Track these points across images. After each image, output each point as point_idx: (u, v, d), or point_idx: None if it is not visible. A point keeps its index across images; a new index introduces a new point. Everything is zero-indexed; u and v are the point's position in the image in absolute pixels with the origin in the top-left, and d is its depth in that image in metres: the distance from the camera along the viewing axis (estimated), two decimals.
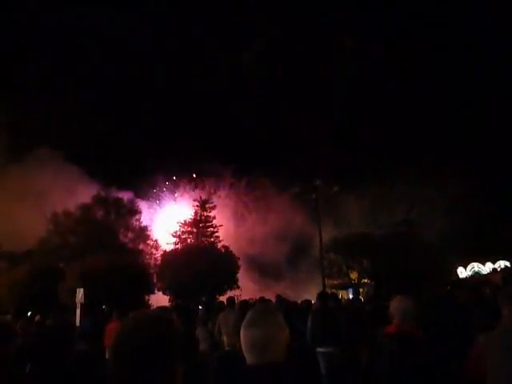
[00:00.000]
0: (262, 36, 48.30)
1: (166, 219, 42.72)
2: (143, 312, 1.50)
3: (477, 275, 36.67)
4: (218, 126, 64.01)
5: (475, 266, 38.82)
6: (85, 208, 31.50)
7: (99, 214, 32.40)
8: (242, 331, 1.73)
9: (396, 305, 2.97)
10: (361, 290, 25.07)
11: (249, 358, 1.68)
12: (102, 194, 33.64)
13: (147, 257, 32.07)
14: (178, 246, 34.76)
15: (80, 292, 12.78)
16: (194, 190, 46.95)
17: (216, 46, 61.69)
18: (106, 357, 8.34)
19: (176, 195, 48.46)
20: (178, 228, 38.27)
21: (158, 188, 47.98)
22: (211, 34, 60.71)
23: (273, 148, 53.30)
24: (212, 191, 46.56)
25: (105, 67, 59.15)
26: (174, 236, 37.64)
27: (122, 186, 38.60)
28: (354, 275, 26.08)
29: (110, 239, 29.98)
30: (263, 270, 42.31)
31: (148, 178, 45.92)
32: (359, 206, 42.08)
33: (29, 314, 15.92)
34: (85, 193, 34.38)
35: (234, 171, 49.02)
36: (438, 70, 52.92)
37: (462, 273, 37.33)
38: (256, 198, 49.19)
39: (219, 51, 53.98)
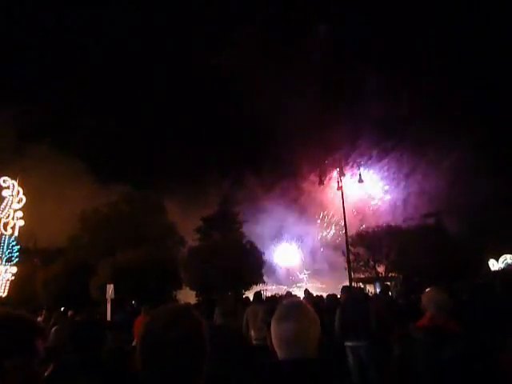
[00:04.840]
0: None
1: (190, 215, 43.25)
2: (169, 307, 1.50)
3: (509, 267, 35.51)
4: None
5: (508, 258, 37.60)
6: (112, 205, 32.24)
7: (126, 211, 33.08)
8: (272, 325, 1.70)
9: (429, 297, 2.88)
10: (387, 283, 24.70)
11: (280, 353, 1.65)
12: (128, 192, 34.50)
13: (174, 252, 32.50)
14: (203, 241, 35.10)
15: (110, 288, 13.08)
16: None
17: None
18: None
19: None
20: (201, 224, 38.67)
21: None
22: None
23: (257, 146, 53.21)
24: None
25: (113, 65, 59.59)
26: (198, 232, 38.03)
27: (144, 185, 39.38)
28: (380, 269, 25.68)
29: (137, 235, 30.57)
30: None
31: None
32: None
33: (62, 309, 16.48)
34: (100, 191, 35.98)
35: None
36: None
37: (494, 265, 36.18)
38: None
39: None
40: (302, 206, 45.93)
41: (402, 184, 44.37)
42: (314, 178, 47.64)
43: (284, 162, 48.75)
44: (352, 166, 42.08)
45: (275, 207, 43.78)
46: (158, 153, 55.86)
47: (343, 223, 20.73)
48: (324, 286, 35.46)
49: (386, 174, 45.42)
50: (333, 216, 43.69)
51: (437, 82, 42.52)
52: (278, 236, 44.34)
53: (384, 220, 30.19)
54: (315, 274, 41.44)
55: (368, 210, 42.34)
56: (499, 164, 37.13)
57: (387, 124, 44.28)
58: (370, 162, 45.00)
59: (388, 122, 43.92)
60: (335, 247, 37.06)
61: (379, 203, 45.10)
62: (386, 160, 44.95)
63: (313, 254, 43.69)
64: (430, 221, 29.02)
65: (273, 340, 1.68)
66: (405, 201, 42.32)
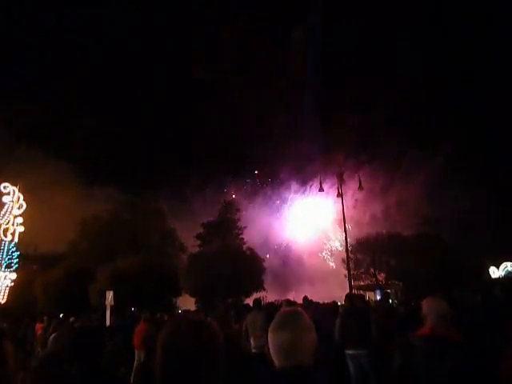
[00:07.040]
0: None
1: (191, 221, 43.18)
2: (188, 318, 1.55)
3: (510, 275, 35.39)
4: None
5: (508, 266, 37.45)
6: (111, 211, 32.21)
7: (125, 217, 33.02)
8: (270, 334, 1.71)
9: (429, 306, 2.85)
10: (388, 290, 24.63)
11: (277, 361, 1.66)
12: (128, 198, 34.55)
13: (174, 259, 32.39)
14: (203, 248, 34.98)
15: (110, 294, 13.02)
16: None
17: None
18: (135, 357, 8.55)
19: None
20: (202, 230, 38.56)
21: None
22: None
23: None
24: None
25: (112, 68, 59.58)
26: (198, 238, 37.91)
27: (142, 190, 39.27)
28: (380, 276, 25.64)
29: (137, 241, 30.52)
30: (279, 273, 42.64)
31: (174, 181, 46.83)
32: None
33: (61, 315, 16.42)
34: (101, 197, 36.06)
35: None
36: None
37: (495, 272, 36.04)
38: None
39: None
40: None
41: (380, 196, 44.41)
42: (296, 185, 48.17)
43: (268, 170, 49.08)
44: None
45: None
46: (158, 157, 55.92)
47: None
48: None
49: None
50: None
51: (415, 90, 42.91)
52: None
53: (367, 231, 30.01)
54: None
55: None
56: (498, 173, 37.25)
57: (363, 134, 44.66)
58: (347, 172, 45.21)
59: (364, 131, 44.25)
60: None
61: None
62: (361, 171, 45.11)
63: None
64: (429, 229, 29.01)
65: (270, 349, 1.69)
66: (385, 212, 42.29)
